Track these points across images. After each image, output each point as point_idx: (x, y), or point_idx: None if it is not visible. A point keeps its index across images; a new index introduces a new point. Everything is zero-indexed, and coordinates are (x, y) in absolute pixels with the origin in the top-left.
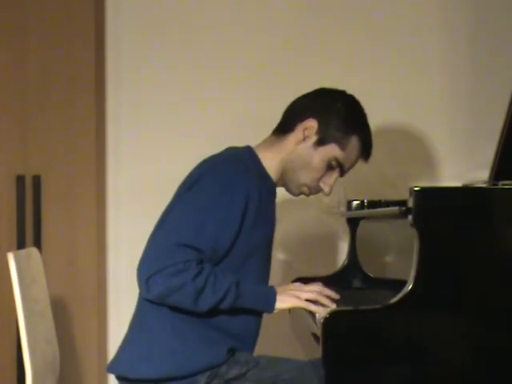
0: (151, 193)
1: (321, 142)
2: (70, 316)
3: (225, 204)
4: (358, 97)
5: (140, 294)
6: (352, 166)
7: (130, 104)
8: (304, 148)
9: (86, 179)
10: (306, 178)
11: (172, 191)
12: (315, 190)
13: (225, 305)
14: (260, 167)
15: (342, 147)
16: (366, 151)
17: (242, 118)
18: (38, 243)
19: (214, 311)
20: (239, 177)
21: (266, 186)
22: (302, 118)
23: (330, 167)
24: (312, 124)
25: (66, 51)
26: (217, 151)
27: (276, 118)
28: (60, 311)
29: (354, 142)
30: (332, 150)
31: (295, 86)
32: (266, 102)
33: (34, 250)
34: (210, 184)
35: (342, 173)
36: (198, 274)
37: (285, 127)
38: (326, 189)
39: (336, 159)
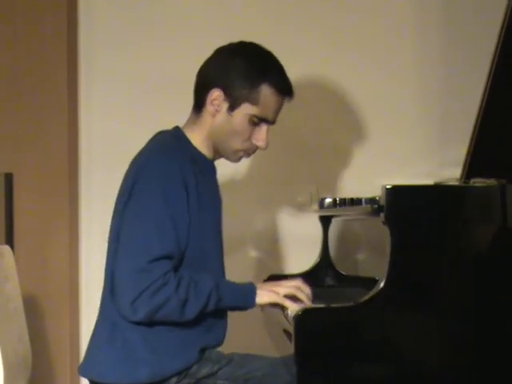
0: None
1: (232, 107)
2: (43, 314)
3: (170, 200)
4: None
5: (103, 300)
6: (277, 111)
7: (103, 102)
8: (220, 118)
9: (58, 177)
10: (235, 143)
11: None
12: (251, 149)
13: (209, 309)
14: (191, 148)
15: (255, 102)
16: (284, 91)
17: None
18: (10, 241)
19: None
20: (172, 167)
21: (201, 167)
22: (207, 90)
23: (253, 124)
24: (217, 93)
25: (38, 48)
26: None
27: None
28: (32, 309)
29: (265, 91)
30: (246, 109)
31: None
32: None
33: (6, 248)
34: (148, 187)
35: (270, 122)
36: (178, 285)
37: (198, 103)
38: (261, 143)
39: (254, 116)
